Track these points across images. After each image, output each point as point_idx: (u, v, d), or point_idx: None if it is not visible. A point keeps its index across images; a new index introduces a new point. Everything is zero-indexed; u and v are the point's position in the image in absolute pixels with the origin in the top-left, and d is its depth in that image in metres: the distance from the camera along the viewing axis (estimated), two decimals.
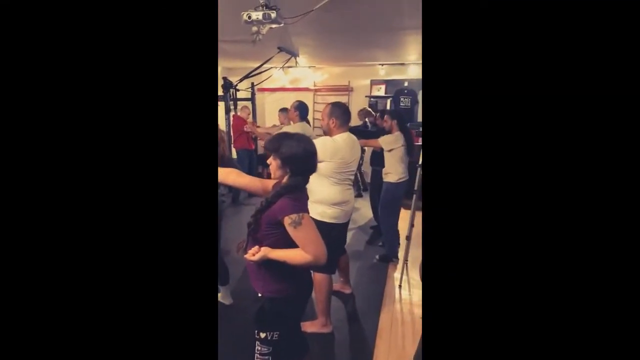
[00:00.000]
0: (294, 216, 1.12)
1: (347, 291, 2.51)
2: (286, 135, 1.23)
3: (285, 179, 1.22)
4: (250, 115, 5.12)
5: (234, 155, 4.76)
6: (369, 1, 2.61)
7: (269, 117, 6.31)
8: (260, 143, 4.77)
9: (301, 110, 3.02)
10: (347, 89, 6.00)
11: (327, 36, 4.03)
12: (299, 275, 1.23)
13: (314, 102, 6.16)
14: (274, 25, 2.57)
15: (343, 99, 6.02)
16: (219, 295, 2.32)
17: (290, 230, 1.13)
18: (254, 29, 2.59)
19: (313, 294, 2.01)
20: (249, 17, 2.48)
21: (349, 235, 3.68)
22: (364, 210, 4.31)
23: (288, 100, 6.04)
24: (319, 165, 1.87)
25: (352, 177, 2.02)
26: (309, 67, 5.97)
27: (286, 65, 5.07)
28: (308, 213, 1.18)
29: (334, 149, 1.87)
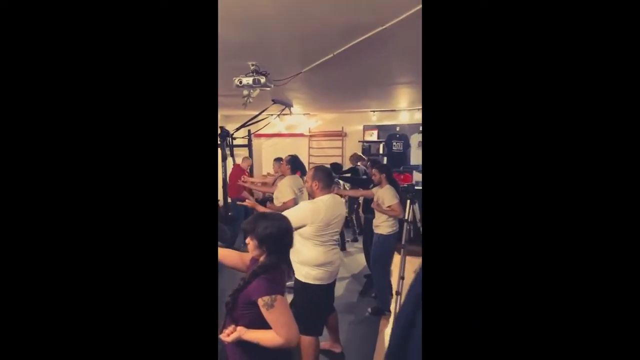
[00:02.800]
0: (266, 298, 1.15)
1: (337, 350, 2.46)
2: (261, 216, 1.29)
3: (261, 258, 1.27)
4: (251, 166, 5.25)
5: (224, 201, 4.83)
6: (356, 62, 2.78)
7: (266, 162, 6.45)
8: (256, 190, 4.82)
9: (293, 164, 3.13)
10: (341, 135, 6.18)
11: (318, 91, 4.24)
12: (275, 355, 1.25)
13: (309, 147, 6.32)
14: (264, 89, 2.73)
15: (337, 143, 6.19)
16: None
17: (263, 311, 1.16)
18: (245, 92, 2.75)
19: (301, 357, 1.99)
20: (240, 82, 2.64)
21: (342, 284, 3.66)
22: (359, 257, 4.30)
23: (284, 145, 6.23)
24: (302, 229, 1.93)
25: (337, 237, 2.06)
26: (304, 114, 6.19)
27: (282, 113, 5.27)
28: (283, 294, 1.21)
29: (314, 212, 1.92)
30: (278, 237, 1.25)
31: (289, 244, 1.31)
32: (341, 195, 3.76)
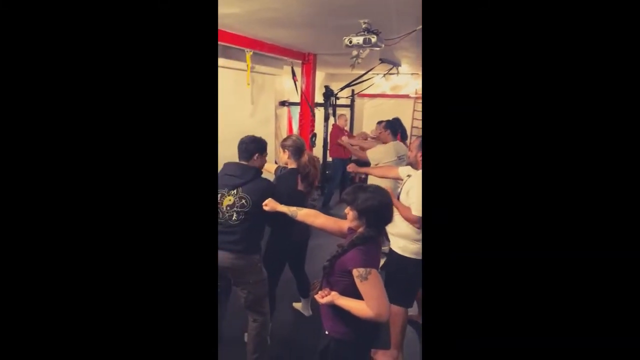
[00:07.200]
0: (361, 270, 1.16)
1: None
2: (361, 188, 1.27)
3: (360, 229, 1.27)
4: (348, 123, 5.23)
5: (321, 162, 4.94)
6: None
7: (367, 122, 6.35)
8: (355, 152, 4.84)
9: (392, 129, 2.99)
10: None
11: None
12: (365, 323, 1.28)
13: (414, 110, 5.98)
14: (374, 49, 2.60)
15: None
16: (299, 305, 2.49)
17: (357, 282, 1.18)
18: (354, 52, 2.66)
19: (389, 324, 2.03)
20: (350, 42, 2.55)
21: None
22: None
23: (387, 106, 6.01)
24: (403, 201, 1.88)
25: None
26: (411, 74, 5.81)
27: (388, 73, 5.03)
28: (378, 268, 1.21)
29: (419, 185, 1.83)
30: (378, 210, 1.23)
31: (389, 218, 1.28)
32: None
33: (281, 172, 2.06)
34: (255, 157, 1.78)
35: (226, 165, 1.79)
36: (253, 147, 1.77)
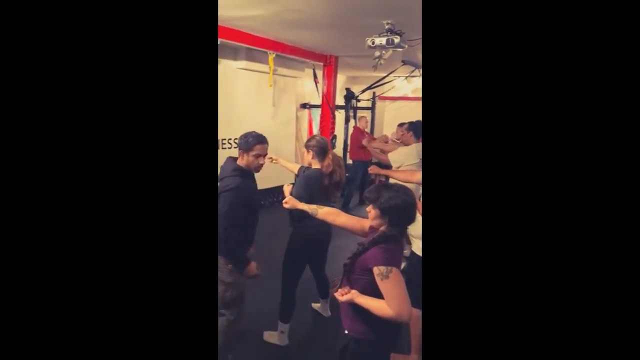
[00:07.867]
0: (382, 268, 1.15)
1: None
2: (385, 186, 1.26)
3: (382, 228, 1.25)
4: (368, 125, 5.20)
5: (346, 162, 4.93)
6: None
7: (387, 125, 6.30)
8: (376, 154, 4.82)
9: (415, 131, 2.94)
10: None
11: None
12: (385, 323, 1.26)
13: None
14: (397, 50, 2.58)
15: None
16: (318, 306, 2.48)
17: (377, 280, 1.16)
18: (377, 53, 2.65)
19: (409, 327, 1.99)
20: (373, 43, 2.55)
21: None
22: None
23: (409, 109, 5.94)
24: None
25: None
26: None
27: (410, 75, 4.99)
28: (400, 267, 1.19)
29: None
30: (402, 209, 1.21)
31: (412, 217, 1.26)
32: None
33: (304, 172, 2.07)
34: (240, 154, 1.76)
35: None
36: (239, 143, 1.77)
